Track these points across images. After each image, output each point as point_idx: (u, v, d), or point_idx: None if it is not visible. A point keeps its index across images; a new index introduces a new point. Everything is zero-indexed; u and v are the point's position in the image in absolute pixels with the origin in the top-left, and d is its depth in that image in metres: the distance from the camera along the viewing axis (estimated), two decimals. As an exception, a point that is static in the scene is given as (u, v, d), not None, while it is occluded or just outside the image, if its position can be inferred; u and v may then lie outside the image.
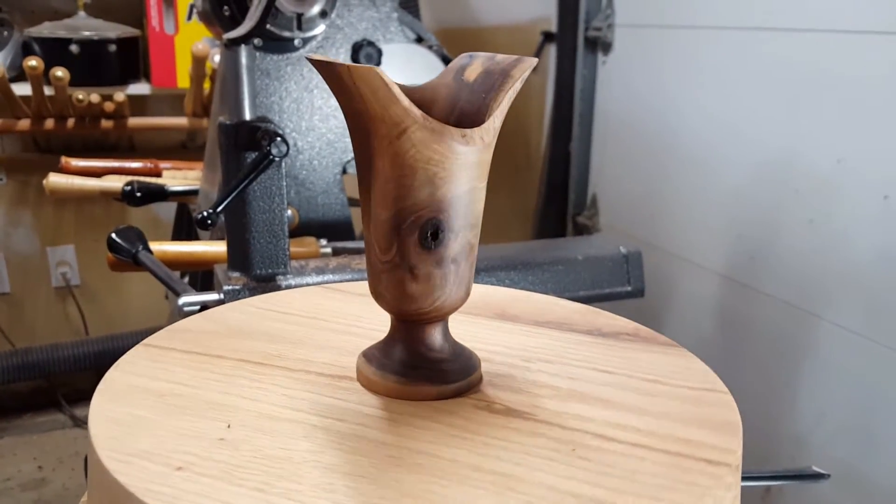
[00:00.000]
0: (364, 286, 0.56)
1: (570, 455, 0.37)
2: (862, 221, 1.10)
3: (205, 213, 0.74)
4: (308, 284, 0.84)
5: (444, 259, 0.39)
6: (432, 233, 0.38)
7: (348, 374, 0.44)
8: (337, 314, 0.52)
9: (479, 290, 0.57)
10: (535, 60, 0.39)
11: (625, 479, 0.36)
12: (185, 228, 1.30)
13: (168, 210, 1.77)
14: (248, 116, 0.82)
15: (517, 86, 0.38)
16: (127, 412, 0.39)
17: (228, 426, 0.38)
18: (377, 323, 0.50)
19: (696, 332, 1.42)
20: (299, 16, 0.96)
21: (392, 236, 0.38)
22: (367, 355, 0.44)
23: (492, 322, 0.52)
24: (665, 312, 1.49)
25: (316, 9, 0.98)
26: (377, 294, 0.41)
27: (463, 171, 0.37)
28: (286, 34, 0.98)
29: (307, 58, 0.37)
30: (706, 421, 0.41)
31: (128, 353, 0.45)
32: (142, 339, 0.48)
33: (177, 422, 0.39)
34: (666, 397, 0.44)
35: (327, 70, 0.36)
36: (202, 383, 0.43)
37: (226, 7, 0.95)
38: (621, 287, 0.92)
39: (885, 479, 1.09)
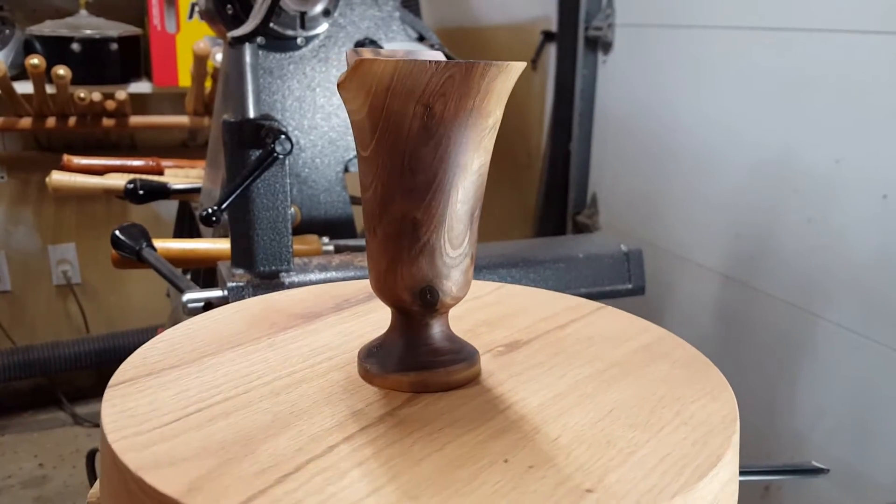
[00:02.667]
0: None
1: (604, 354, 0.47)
2: (860, 221, 1.11)
3: (209, 211, 0.75)
4: (311, 282, 0.85)
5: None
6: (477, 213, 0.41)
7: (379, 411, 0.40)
8: (245, 379, 0.43)
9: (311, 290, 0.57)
10: (434, 54, 0.40)
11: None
12: (187, 226, 1.30)
13: (169, 208, 1.77)
14: (252, 114, 0.83)
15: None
16: None
17: (506, 460, 0.35)
18: (279, 362, 0.45)
19: (695, 331, 1.42)
20: (302, 14, 0.97)
21: (468, 226, 0.40)
22: (389, 367, 0.42)
23: (341, 313, 0.52)
24: (665, 311, 1.50)
25: (319, 8, 0.98)
26: (433, 292, 0.40)
27: None
28: (289, 33, 0.98)
29: (458, 61, 0.35)
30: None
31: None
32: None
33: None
34: (557, 300, 0.56)
35: (465, 70, 0.35)
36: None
37: (229, 6, 0.95)
38: (622, 285, 0.92)
39: (883, 477, 1.10)
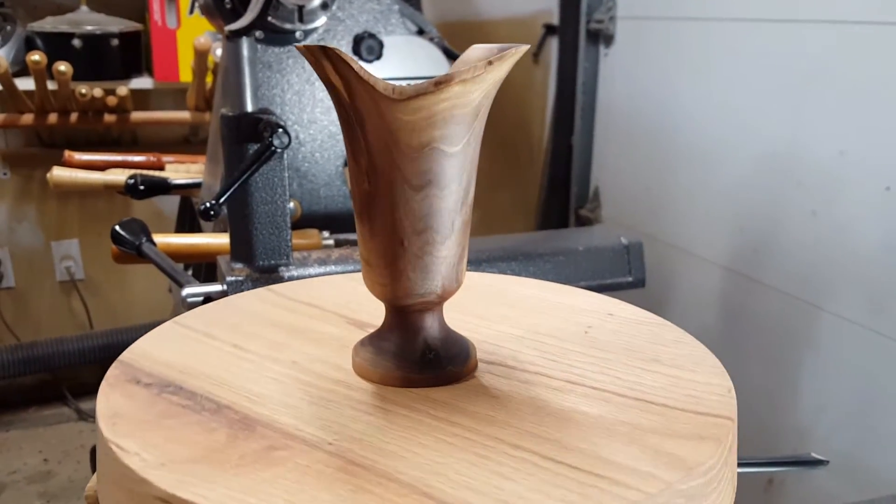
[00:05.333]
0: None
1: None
2: (864, 213, 1.10)
3: (207, 205, 0.74)
4: (310, 276, 0.85)
5: None
6: None
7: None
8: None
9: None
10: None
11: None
12: (189, 221, 1.30)
13: (170, 203, 1.77)
14: (249, 108, 0.83)
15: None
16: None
17: None
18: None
19: (698, 324, 1.42)
20: (300, 8, 0.97)
21: None
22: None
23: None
24: (667, 304, 1.50)
25: (317, 1, 0.98)
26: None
27: None
28: (287, 26, 0.98)
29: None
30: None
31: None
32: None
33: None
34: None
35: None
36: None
37: (228, 0, 0.95)
38: (622, 277, 0.92)
39: (886, 470, 1.10)
